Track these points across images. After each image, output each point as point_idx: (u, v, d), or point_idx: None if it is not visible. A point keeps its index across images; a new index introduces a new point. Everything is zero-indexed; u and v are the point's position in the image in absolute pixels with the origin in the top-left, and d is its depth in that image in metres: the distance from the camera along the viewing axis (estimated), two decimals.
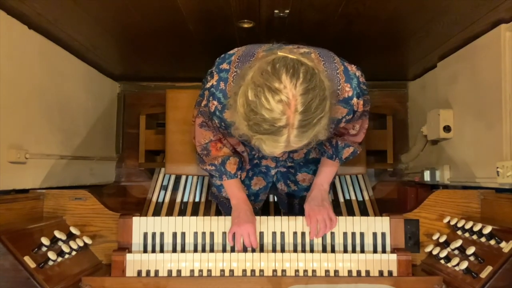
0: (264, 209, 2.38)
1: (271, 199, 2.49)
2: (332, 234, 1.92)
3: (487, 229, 1.65)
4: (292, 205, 2.16)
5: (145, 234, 1.94)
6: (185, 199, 2.57)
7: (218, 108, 1.56)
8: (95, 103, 2.70)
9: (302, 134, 1.31)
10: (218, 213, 2.51)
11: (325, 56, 1.56)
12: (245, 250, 1.88)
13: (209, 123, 1.72)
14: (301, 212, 1.94)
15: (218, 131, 1.74)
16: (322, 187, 1.90)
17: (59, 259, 1.68)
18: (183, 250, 1.92)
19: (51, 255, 1.63)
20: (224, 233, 1.93)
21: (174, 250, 1.92)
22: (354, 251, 1.91)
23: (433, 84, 2.58)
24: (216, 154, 1.80)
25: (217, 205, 2.55)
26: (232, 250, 1.90)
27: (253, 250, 1.89)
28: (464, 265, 1.62)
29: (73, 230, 1.85)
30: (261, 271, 1.83)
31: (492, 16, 1.80)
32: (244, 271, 1.83)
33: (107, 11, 1.86)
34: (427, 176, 2.46)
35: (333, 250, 1.91)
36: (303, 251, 1.91)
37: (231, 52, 1.64)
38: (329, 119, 1.35)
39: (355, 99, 1.55)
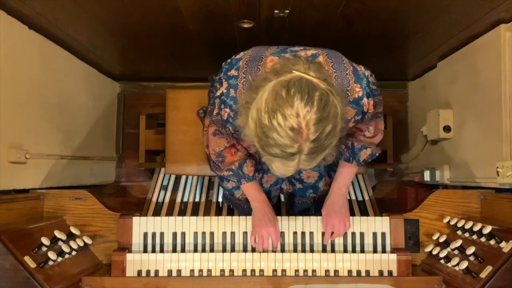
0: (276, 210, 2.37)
1: (282, 199, 2.48)
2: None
3: (487, 229, 1.65)
4: (299, 204, 2.15)
5: (145, 234, 1.94)
6: (185, 199, 2.57)
7: (230, 115, 1.56)
8: (95, 103, 2.70)
9: (312, 160, 1.32)
10: (218, 213, 2.51)
11: (334, 57, 1.56)
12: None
13: (222, 131, 1.71)
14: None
15: (232, 137, 1.73)
16: (340, 191, 1.89)
17: (59, 259, 1.68)
18: (183, 250, 1.92)
19: (51, 255, 1.63)
20: (224, 233, 1.93)
21: (174, 250, 1.92)
22: (354, 251, 1.91)
23: (433, 84, 2.58)
24: (232, 159, 1.78)
25: (217, 205, 2.56)
26: (232, 250, 1.91)
27: (253, 250, 1.89)
28: (464, 265, 1.62)
29: (73, 230, 1.86)
30: (261, 271, 1.83)
31: (492, 16, 1.80)
32: (244, 271, 1.83)
33: (107, 11, 1.86)
34: (427, 176, 2.46)
35: (333, 250, 1.91)
36: (303, 251, 1.91)
37: (238, 56, 1.63)
38: (338, 139, 1.36)
39: (365, 99, 1.54)
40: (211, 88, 1.83)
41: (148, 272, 1.83)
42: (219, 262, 1.84)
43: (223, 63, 1.65)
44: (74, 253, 1.79)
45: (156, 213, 2.50)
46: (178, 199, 2.55)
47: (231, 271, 1.83)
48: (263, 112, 1.27)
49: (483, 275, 1.55)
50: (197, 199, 2.57)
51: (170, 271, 1.83)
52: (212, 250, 1.92)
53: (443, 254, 1.76)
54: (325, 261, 1.84)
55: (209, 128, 1.78)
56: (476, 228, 1.73)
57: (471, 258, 1.65)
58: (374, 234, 1.93)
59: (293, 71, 1.30)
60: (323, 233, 1.91)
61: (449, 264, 1.72)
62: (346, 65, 1.55)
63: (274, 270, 1.83)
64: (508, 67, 1.81)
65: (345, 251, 1.91)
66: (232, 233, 1.93)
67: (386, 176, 3.04)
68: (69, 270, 1.72)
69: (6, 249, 1.52)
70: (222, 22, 1.99)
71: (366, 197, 2.59)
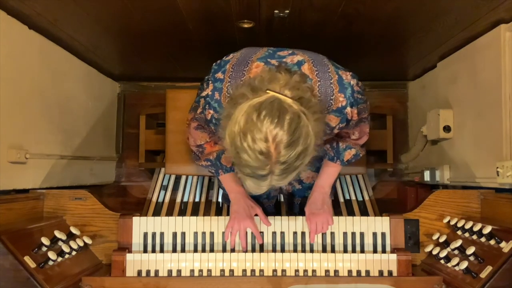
0: (276, 210, 2.37)
1: (281, 199, 2.48)
2: (332, 234, 1.92)
3: (487, 229, 1.65)
4: (298, 205, 2.15)
5: (145, 234, 1.94)
6: (185, 199, 2.57)
7: (214, 116, 1.57)
8: (95, 103, 2.70)
9: (284, 179, 1.34)
10: (218, 213, 2.51)
11: (319, 65, 1.55)
12: (245, 249, 1.88)
13: (205, 127, 1.73)
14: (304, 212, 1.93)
15: (214, 135, 1.74)
16: (323, 190, 1.89)
17: (59, 259, 1.68)
18: (183, 250, 1.92)
19: (51, 255, 1.63)
20: (224, 233, 1.93)
21: (174, 250, 1.92)
22: (354, 251, 1.92)
23: (433, 84, 2.58)
24: (211, 150, 1.81)
25: (217, 205, 2.56)
26: (232, 250, 1.91)
27: (253, 250, 1.89)
28: (464, 265, 1.62)
29: (73, 230, 1.86)
30: (261, 271, 1.83)
31: (492, 16, 1.80)
32: (244, 271, 1.83)
33: (107, 11, 1.86)
34: (427, 176, 2.46)
35: (333, 250, 1.91)
36: (303, 251, 1.91)
37: (227, 58, 1.64)
38: (312, 155, 1.36)
39: (348, 109, 1.55)
40: (200, 86, 1.84)
41: (148, 272, 1.83)
42: (219, 262, 1.84)
43: (214, 64, 1.65)
44: (74, 253, 1.79)
45: (156, 213, 2.50)
46: (178, 199, 2.55)
47: (231, 271, 1.83)
48: (236, 133, 1.29)
49: (483, 275, 1.55)
50: (197, 199, 2.57)
51: (170, 271, 1.84)
52: (212, 250, 1.92)
53: (443, 254, 1.76)
54: (325, 261, 1.84)
55: (191, 122, 1.79)
56: (476, 228, 1.73)
57: (471, 258, 1.65)
58: (374, 234, 1.93)
59: (268, 91, 1.31)
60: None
61: (449, 264, 1.72)
62: (331, 73, 1.54)
63: (274, 270, 1.83)
64: (508, 67, 1.81)
65: (345, 251, 1.91)
66: None
67: (386, 176, 3.04)
68: (69, 270, 1.72)
69: (6, 249, 1.52)
70: (222, 22, 1.99)
71: (366, 197, 2.59)
